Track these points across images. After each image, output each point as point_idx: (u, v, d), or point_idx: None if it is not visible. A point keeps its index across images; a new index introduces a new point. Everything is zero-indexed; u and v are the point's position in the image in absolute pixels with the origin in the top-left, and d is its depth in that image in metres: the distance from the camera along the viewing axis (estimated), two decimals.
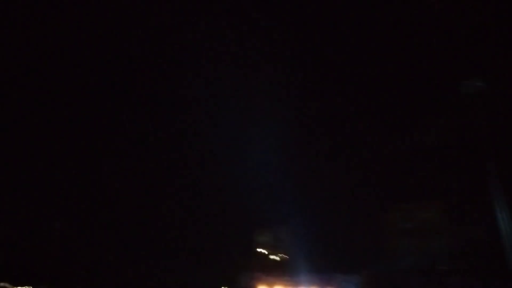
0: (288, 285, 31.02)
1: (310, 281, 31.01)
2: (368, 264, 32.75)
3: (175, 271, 44.36)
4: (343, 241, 61.21)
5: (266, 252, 74.51)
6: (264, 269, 40.02)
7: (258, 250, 75.07)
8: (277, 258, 72.49)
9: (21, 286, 45.97)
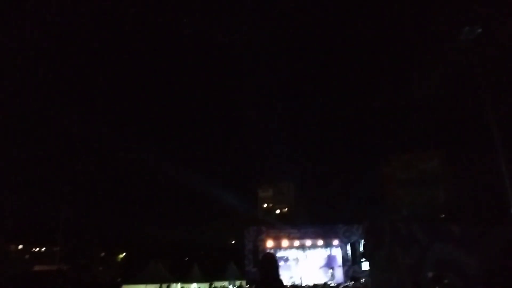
0: (292, 238, 31.68)
1: (313, 232, 31.66)
2: (370, 214, 33.38)
3: (186, 228, 45.65)
4: (345, 193, 62.55)
5: (270, 207, 76.47)
6: (269, 223, 41.07)
7: (263, 205, 76.94)
8: (281, 212, 74.48)
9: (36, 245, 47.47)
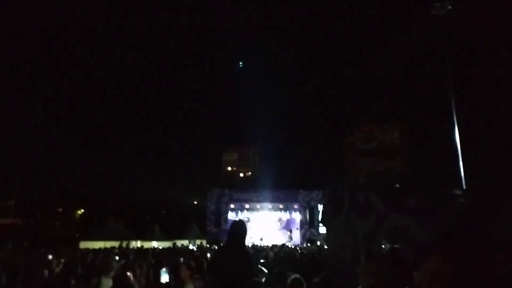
0: (254, 201, 32.33)
1: (274, 196, 32.41)
2: (329, 182, 34.38)
3: (148, 187, 45.21)
4: (307, 160, 63.97)
5: (234, 170, 77.12)
6: (232, 186, 41.49)
7: (227, 168, 77.41)
8: (245, 176, 75.37)
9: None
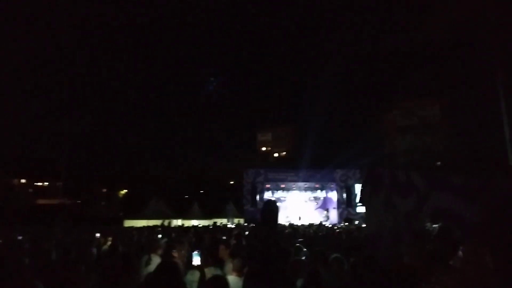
0: (290, 180, 32.36)
1: (310, 176, 32.29)
2: (368, 160, 33.72)
3: (187, 167, 46.42)
4: (343, 138, 62.85)
5: (269, 150, 77.34)
6: (267, 166, 41.67)
7: (261, 148, 77.74)
8: (279, 156, 75.48)
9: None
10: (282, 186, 32.82)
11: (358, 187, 28.90)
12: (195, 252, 4.34)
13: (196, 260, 4.27)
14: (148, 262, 4.72)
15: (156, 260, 4.65)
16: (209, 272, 4.24)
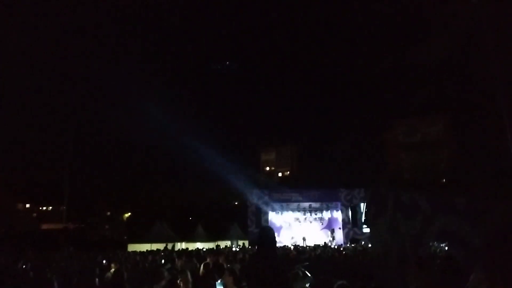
0: (294, 200, 32.18)
1: (315, 195, 32.09)
2: (371, 179, 33.53)
3: (190, 189, 46.27)
4: (347, 157, 62.68)
5: (273, 170, 77.17)
6: (271, 186, 41.49)
7: (265, 168, 77.64)
8: (283, 175, 75.25)
9: None
10: (287, 206, 32.63)
11: (363, 206, 28.67)
12: (218, 282, 4.34)
13: None
14: None
15: None
16: None
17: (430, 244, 5.31)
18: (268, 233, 4.06)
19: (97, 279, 5.21)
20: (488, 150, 35.46)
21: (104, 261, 9.56)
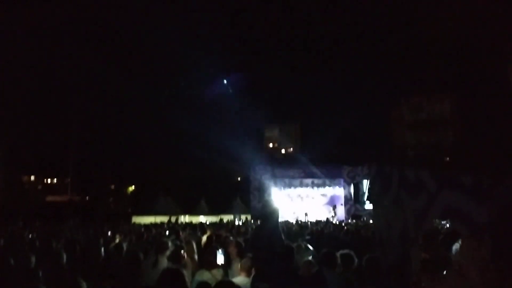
0: (297, 176, 32.33)
1: (318, 172, 32.20)
2: (376, 156, 33.48)
3: (194, 164, 46.50)
4: (351, 134, 62.42)
5: (276, 146, 77.23)
6: (274, 163, 41.62)
7: (268, 144, 77.67)
8: (286, 152, 75.35)
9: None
10: (290, 182, 32.83)
11: (365, 184, 28.77)
12: (219, 251, 4.36)
13: (220, 259, 4.29)
14: (155, 264, 4.72)
15: (163, 261, 4.65)
16: (218, 273, 4.23)
17: (434, 220, 5.30)
18: (271, 207, 4.09)
19: (102, 249, 5.28)
20: (493, 129, 35.16)
21: (109, 233, 9.71)
